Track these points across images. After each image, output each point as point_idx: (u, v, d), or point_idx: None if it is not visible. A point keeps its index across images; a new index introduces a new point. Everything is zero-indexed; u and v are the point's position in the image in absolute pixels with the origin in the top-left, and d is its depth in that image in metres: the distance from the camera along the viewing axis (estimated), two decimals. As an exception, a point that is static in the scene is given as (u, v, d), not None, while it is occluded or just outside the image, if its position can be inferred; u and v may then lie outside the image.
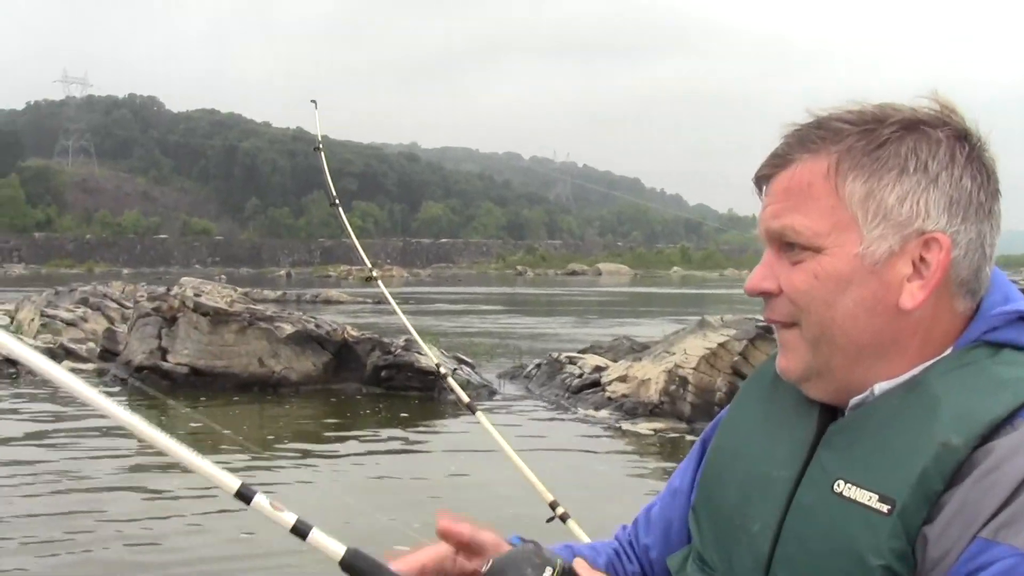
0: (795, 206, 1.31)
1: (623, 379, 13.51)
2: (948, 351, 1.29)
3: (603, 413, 12.92)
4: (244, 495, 1.16)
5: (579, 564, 1.25)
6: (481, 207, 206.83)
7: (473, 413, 4.59)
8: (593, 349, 17.30)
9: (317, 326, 15.06)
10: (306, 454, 10.75)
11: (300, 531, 1.17)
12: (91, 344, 18.66)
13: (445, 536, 1.31)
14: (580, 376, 14.58)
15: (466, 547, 1.32)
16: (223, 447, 11.08)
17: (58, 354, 17.77)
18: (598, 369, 14.61)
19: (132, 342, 15.58)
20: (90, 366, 17.20)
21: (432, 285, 68.99)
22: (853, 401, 1.31)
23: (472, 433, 10.34)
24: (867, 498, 1.22)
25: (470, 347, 19.45)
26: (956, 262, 1.27)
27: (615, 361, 15.07)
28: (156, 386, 14.70)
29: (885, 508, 1.19)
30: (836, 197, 1.28)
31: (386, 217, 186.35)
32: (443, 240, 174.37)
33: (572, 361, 15.50)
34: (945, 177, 1.27)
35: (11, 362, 16.57)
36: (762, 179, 1.37)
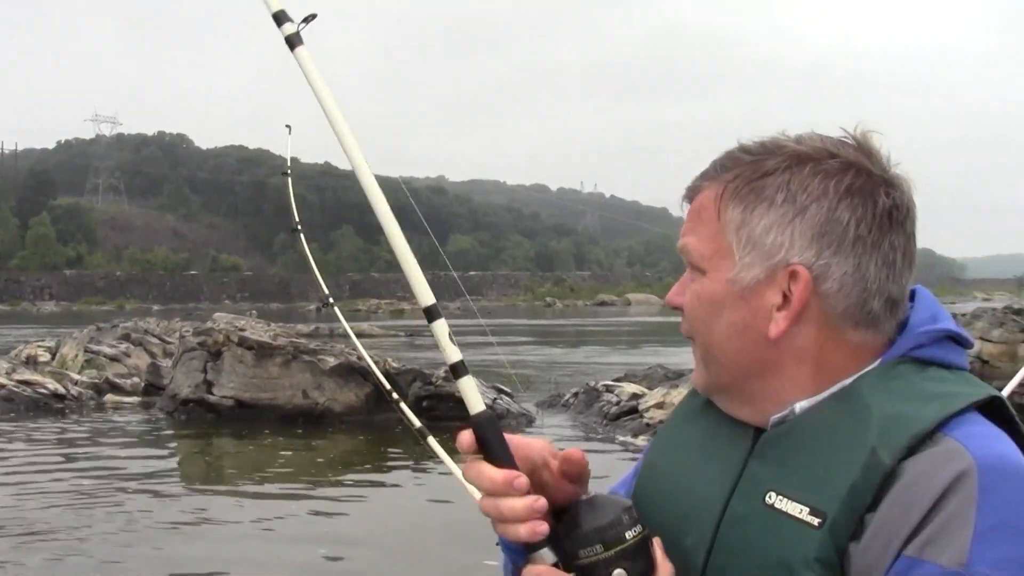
0: (692, 228, 1.36)
1: (660, 406, 13.73)
2: (874, 365, 1.29)
3: (642, 440, 13.11)
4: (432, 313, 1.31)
5: (658, 542, 1.24)
6: (510, 240, 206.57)
7: (424, 439, 4.60)
8: (628, 377, 17.52)
9: (359, 358, 15.31)
10: (339, 484, 11.13)
11: (457, 371, 1.28)
12: (135, 379, 19.01)
13: (568, 458, 1.28)
14: (618, 404, 14.81)
15: (573, 476, 1.29)
16: (268, 476, 11.37)
17: (103, 388, 18.16)
18: (635, 397, 14.83)
19: (178, 376, 15.90)
20: (135, 399, 17.56)
21: (461, 317, 69.16)
22: (774, 418, 1.31)
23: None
24: (798, 511, 1.21)
25: (507, 378, 19.64)
26: (828, 295, 1.28)
27: (651, 389, 15.29)
28: (202, 419, 15.02)
29: (816, 521, 1.19)
30: (719, 223, 1.32)
31: (415, 251, 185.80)
32: (472, 273, 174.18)
33: (609, 389, 15.72)
34: (815, 209, 1.27)
35: (59, 397, 16.95)
36: (684, 202, 1.41)
